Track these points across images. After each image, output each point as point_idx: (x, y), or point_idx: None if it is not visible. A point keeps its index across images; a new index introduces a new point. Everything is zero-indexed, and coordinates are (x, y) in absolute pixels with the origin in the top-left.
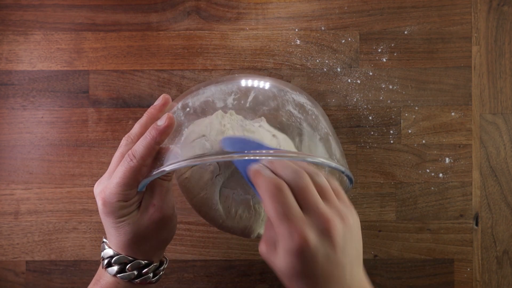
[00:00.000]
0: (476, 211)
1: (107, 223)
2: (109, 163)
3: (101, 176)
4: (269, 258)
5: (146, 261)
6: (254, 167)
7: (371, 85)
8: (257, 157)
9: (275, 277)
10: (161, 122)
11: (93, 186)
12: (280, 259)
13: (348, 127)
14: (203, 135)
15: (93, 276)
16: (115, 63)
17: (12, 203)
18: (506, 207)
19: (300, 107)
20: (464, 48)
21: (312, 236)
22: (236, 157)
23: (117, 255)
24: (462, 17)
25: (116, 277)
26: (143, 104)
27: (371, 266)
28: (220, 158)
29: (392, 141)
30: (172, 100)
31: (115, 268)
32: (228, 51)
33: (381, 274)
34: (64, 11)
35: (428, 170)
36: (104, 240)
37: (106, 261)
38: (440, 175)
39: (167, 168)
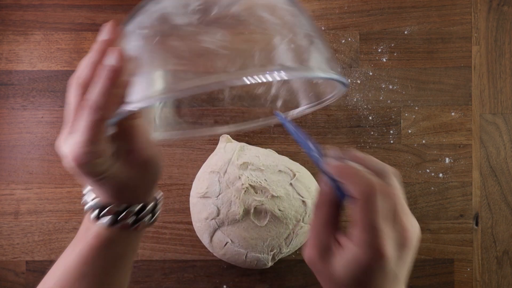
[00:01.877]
0: (476, 211)
1: (87, 182)
2: None
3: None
4: (318, 264)
5: (140, 204)
6: (339, 163)
7: (371, 85)
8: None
9: (275, 277)
10: (111, 60)
11: None
12: (339, 267)
13: (348, 127)
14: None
15: None
16: None
17: (12, 203)
18: (506, 207)
19: (272, 10)
20: (464, 48)
21: (391, 252)
22: (212, 83)
23: (108, 204)
24: (462, 17)
25: (111, 227)
26: None
27: None
28: (197, 88)
29: (392, 141)
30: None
31: (107, 218)
32: None
33: None
34: (64, 11)
35: (428, 170)
36: (88, 189)
37: (95, 213)
38: (440, 175)
39: (131, 107)
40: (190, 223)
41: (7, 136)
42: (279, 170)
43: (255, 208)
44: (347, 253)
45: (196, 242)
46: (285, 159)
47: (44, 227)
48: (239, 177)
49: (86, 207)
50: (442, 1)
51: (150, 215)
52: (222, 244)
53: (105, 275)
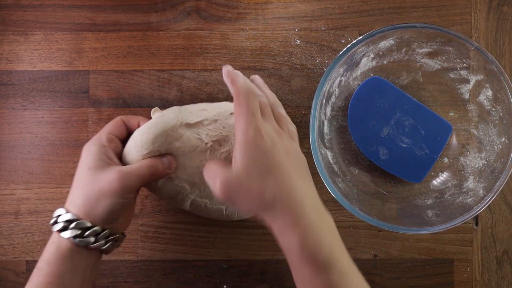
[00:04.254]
0: None
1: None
2: None
3: None
4: (224, 172)
5: (117, 235)
6: (232, 70)
7: None
8: None
9: (275, 277)
10: None
11: None
12: (236, 159)
13: None
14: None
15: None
16: (115, 63)
17: (12, 203)
18: (506, 207)
19: None
20: None
21: (268, 131)
22: None
23: (77, 220)
24: (462, 17)
25: (74, 241)
26: (143, 104)
27: (371, 266)
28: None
29: None
30: None
31: (75, 232)
32: (228, 51)
33: (381, 274)
34: (64, 11)
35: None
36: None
37: (63, 226)
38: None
39: None
40: (190, 223)
41: (7, 136)
42: (231, 113)
43: (225, 159)
44: (241, 139)
45: (196, 242)
46: (223, 104)
47: (44, 227)
48: (199, 139)
49: (63, 220)
50: (442, 1)
51: (110, 243)
52: (201, 208)
53: None
